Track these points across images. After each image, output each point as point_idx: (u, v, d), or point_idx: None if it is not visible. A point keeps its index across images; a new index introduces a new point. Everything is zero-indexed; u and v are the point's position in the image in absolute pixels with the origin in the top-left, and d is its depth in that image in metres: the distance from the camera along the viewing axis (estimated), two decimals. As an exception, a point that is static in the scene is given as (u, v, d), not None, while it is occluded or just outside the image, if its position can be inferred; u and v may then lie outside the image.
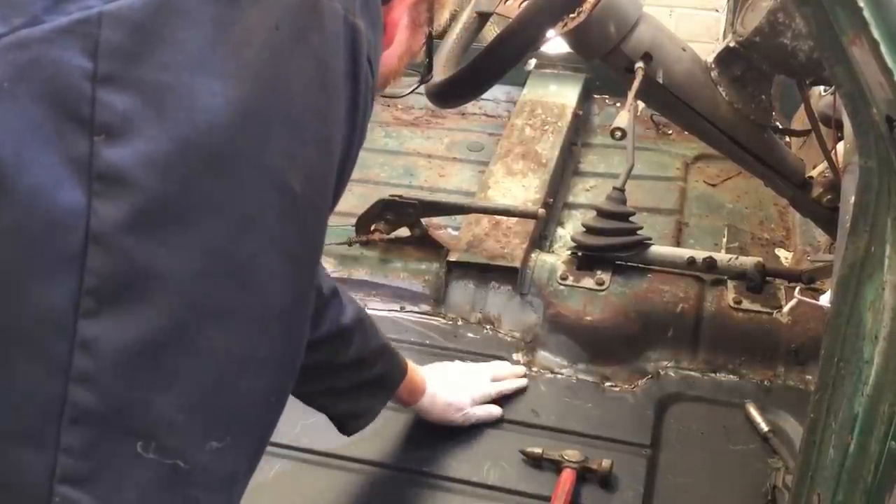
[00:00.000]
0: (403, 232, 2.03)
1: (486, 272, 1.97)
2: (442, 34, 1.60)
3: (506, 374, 1.77)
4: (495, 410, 1.69)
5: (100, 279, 0.63)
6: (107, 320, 0.63)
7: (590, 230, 1.90)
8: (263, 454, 1.59)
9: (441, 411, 1.63)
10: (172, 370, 0.65)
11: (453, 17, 1.52)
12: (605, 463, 1.56)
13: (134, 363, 0.64)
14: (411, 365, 1.57)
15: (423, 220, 2.02)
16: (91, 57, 0.64)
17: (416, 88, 1.14)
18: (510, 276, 1.95)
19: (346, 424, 1.50)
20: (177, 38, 0.65)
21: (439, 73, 1.65)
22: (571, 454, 1.57)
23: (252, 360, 0.70)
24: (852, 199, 0.90)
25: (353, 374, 1.46)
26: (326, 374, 1.44)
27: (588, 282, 1.90)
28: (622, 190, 1.85)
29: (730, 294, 1.87)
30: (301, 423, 1.66)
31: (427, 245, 2.03)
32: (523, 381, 1.78)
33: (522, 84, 2.68)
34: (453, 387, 1.65)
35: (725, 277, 1.90)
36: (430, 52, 1.00)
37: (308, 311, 0.77)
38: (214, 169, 0.65)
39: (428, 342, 1.89)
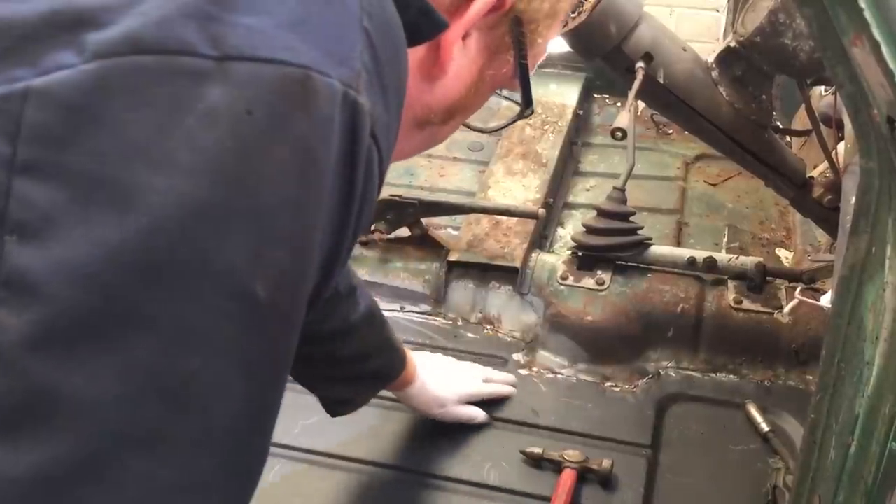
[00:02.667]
0: (403, 232, 2.03)
1: (486, 272, 1.97)
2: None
3: (497, 378, 1.76)
4: (479, 415, 1.68)
5: None
6: None
7: (590, 230, 1.90)
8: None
9: (423, 403, 1.62)
10: (74, 501, 0.56)
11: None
12: (606, 463, 1.56)
13: (28, 497, 0.55)
14: (407, 353, 1.56)
15: (424, 220, 2.02)
16: (10, 140, 0.54)
17: (510, 124, 0.99)
18: (510, 275, 1.95)
19: (334, 408, 1.50)
20: (119, 121, 0.56)
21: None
22: (572, 454, 1.57)
23: (188, 487, 0.61)
24: (853, 199, 0.90)
25: (351, 366, 1.46)
26: (324, 364, 1.43)
27: (588, 282, 1.90)
28: (622, 190, 1.85)
29: (730, 294, 1.87)
30: (301, 424, 1.66)
31: (427, 245, 2.03)
32: (512, 390, 1.76)
33: (523, 84, 2.67)
34: (442, 381, 1.64)
35: (726, 277, 1.89)
36: (525, 84, 0.86)
37: (272, 420, 0.67)
38: (149, 278, 0.56)
39: (428, 342, 1.89)
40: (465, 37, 0.79)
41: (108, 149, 0.55)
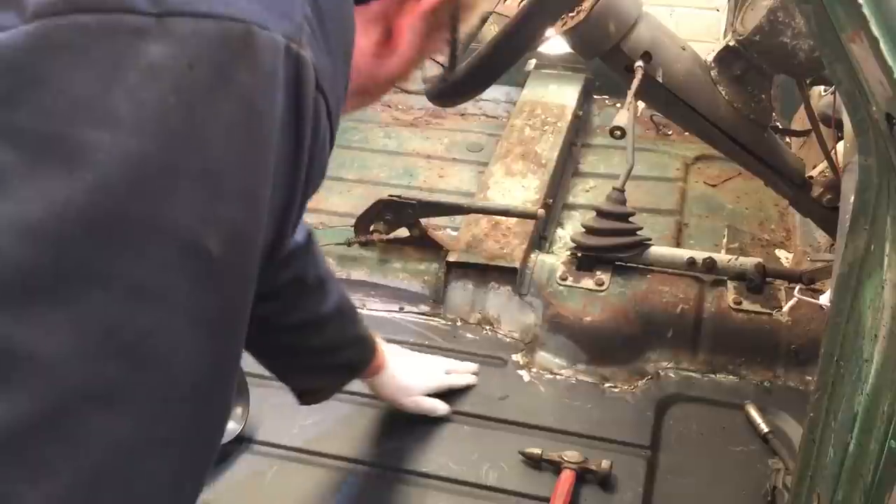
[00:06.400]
0: (402, 232, 2.03)
1: (485, 273, 1.97)
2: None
3: (459, 369, 1.77)
4: (441, 407, 1.68)
5: None
6: None
7: (589, 231, 1.89)
8: (260, 456, 1.59)
9: (392, 392, 1.63)
10: (41, 460, 0.56)
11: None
12: (605, 464, 1.56)
13: None
14: (377, 342, 1.57)
15: (423, 221, 2.02)
16: None
17: (434, 86, 1.06)
18: (509, 276, 1.94)
19: (303, 397, 1.51)
20: (61, 79, 0.56)
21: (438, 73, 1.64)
22: (571, 455, 1.57)
23: (151, 444, 0.61)
24: (852, 198, 0.90)
25: (321, 357, 1.47)
26: (294, 354, 1.44)
27: (588, 282, 1.89)
28: (622, 190, 1.85)
29: (730, 295, 1.86)
30: (300, 424, 1.66)
31: (426, 245, 2.02)
32: (474, 378, 1.77)
33: (522, 84, 2.68)
34: (409, 371, 1.65)
35: (725, 278, 1.89)
36: (453, 54, 0.91)
37: (232, 377, 0.68)
38: (99, 235, 0.56)
39: (427, 343, 1.89)
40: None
41: (53, 107, 0.56)
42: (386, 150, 2.61)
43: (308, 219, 2.23)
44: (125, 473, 0.60)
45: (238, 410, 1.65)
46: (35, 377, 0.56)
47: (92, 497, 0.59)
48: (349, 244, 2.02)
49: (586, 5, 1.54)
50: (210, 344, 0.63)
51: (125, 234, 0.57)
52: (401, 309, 1.98)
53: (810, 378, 1.75)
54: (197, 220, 0.60)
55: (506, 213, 2.03)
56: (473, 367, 1.80)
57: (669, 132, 2.61)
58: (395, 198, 1.99)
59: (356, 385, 1.75)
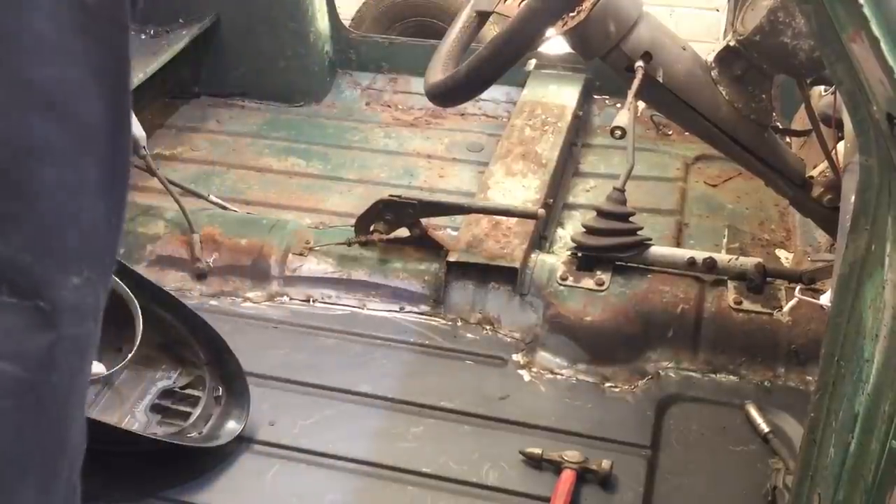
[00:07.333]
0: (403, 232, 2.03)
1: (485, 272, 1.97)
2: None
3: None
4: None
5: None
6: None
7: (590, 231, 1.89)
8: (261, 456, 1.56)
9: None
10: (5, 215, 0.62)
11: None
12: (605, 464, 1.56)
13: None
14: None
15: (423, 221, 2.02)
16: None
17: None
18: (510, 276, 1.94)
19: None
20: None
21: (439, 73, 1.64)
22: (571, 455, 1.57)
23: (87, 187, 0.68)
24: (853, 198, 0.90)
25: None
26: None
27: (588, 282, 1.89)
28: (622, 190, 1.85)
29: (730, 294, 1.86)
30: (300, 424, 1.66)
31: (426, 245, 2.02)
32: None
33: (522, 84, 2.68)
34: None
35: (726, 278, 1.89)
36: None
37: (129, 127, 0.73)
38: None
39: (427, 342, 1.89)
40: None
41: None
42: (386, 150, 2.61)
43: (308, 218, 2.24)
44: (76, 216, 0.67)
45: (238, 410, 1.65)
46: None
47: (56, 241, 0.65)
48: (349, 244, 2.02)
49: (586, 5, 1.54)
50: (107, 90, 0.68)
51: None
52: (401, 309, 1.98)
53: (811, 378, 1.75)
54: None
55: (506, 213, 2.03)
56: None
57: (669, 132, 2.61)
58: (395, 198, 1.99)
59: (356, 385, 1.76)
